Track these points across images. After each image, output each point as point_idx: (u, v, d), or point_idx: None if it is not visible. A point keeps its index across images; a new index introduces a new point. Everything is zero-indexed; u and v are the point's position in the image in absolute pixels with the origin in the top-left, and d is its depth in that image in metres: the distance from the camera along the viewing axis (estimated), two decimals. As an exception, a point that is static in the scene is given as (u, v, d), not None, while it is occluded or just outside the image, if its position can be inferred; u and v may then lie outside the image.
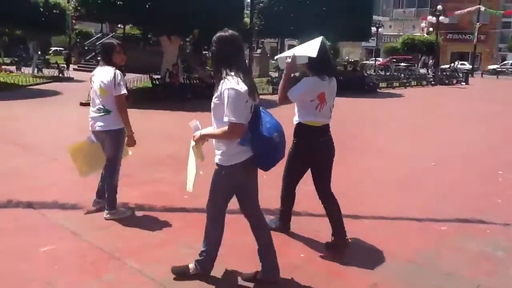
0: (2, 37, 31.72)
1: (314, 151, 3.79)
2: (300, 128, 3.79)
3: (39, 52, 29.70)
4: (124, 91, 4.24)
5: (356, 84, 20.88)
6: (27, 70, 24.62)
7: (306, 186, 4.07)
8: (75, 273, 3.39)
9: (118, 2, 13.35)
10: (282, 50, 31.90)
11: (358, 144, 8.84)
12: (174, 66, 16.36)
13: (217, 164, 3.08)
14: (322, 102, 3.69)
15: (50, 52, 41.80)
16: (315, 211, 4.43)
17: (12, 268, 3.41)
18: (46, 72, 24.40)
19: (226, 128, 2.90)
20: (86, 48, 34.64)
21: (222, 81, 2.92)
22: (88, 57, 31.90)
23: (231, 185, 3.13)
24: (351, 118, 11.94)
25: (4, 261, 3.53)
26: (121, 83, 4.23)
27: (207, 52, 26.27)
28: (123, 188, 4.68)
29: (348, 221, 4.05)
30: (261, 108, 3.09)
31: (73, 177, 4.91)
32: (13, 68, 25.92)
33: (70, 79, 22.56)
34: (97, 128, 4.36)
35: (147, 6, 13.19)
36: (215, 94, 2.96)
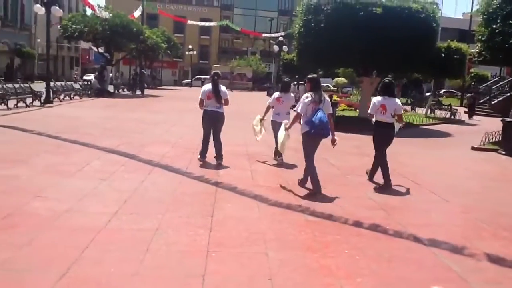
0: (402, 78, 34.63)
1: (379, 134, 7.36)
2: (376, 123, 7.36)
3: (431, 94, 30.88)
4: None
5: None
6: (420, 110, 26.05)
7: None
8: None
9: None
10: None
11: None
12: None
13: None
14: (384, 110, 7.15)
15: (442, 93, 42.92)
16: None
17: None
18: (438, 113, 25.11)
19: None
20: (480, 91, 33.74)
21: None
22: (481, 101, 31.05)
23: (305, 143, 6.65)
24: None
25: None
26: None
27: None
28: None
29: None
30: (321, 109, 6.39)
31: (462, 221, 4.85)
32: (408, 107, 27.88)
33: (461, 122, 22.53)
34: None
35: None
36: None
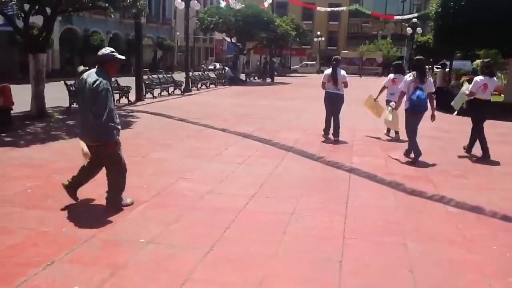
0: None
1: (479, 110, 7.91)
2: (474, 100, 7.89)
3: None
4: None
5: None
6: None
7: None
8: None
9: None
10: None
11: None
12: None
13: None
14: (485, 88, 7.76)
15: None
16: None
17: None
18: None
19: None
20: None
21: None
22: None
23: (407, 117, 7.53)
24: None
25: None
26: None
27: None
28: None
29: None
30: (419, 87, 7.21)
31: None
32: None
33: None
34: None
35: None
36: None
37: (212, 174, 6.44)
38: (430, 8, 19.16)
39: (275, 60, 41.19)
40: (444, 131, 10.73)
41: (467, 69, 41.50)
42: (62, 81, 14.07)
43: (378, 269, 3.66)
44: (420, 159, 7.62)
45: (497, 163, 7.64)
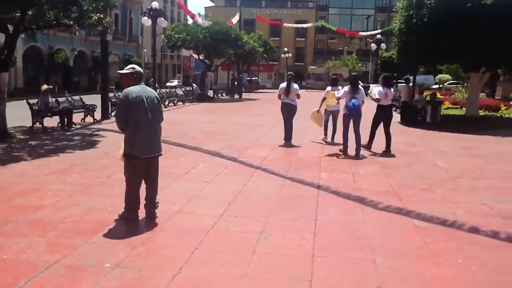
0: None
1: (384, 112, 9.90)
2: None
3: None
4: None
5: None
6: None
7: None
8: None
9: None
10: None
11: None
12: None
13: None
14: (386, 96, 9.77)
15: None
16: None
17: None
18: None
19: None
20: None
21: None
22: None
23: (343, 120, 9.50)
24: None
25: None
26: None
27: None
28: None
29: None
30: (354, 97, 9.23)
31: None
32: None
33: None
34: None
35: None
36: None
37: (180, 193, 6.35)
38: (393, 24, 19.63)
39: (242, 76, 41.33)
40: (411, 145, 10.95)
41: (430, 83, 42.76)
42: (25, 100, 13.70)
43: (347, 287, 3.65)
44: (388, 174, 7.76)
45: (462, 176, 7.81)
